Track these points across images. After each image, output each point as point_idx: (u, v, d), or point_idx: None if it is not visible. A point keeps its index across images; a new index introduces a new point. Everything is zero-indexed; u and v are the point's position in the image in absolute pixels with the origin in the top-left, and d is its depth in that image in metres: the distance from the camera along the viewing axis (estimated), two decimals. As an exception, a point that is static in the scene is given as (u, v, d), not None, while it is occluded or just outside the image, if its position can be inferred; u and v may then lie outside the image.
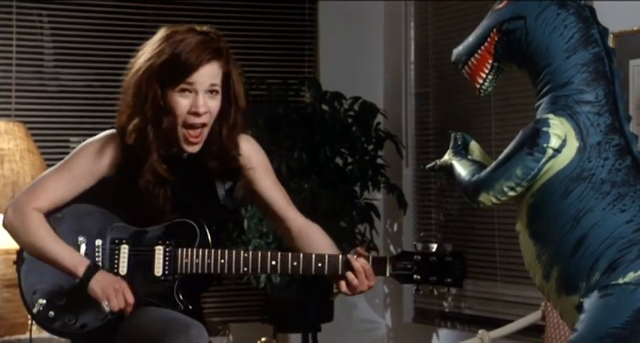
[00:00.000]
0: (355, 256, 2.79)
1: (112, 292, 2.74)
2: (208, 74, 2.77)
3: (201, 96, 2.76)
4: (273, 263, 2.80)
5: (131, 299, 2.75)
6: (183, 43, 2.75)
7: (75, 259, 2.79)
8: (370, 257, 2.80)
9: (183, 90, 2.76)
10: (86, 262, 2.78)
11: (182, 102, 2.77)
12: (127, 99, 2.82)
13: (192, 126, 2.78)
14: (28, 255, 2.85)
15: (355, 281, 2.78)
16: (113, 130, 2.87)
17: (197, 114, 2.77)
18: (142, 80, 2.77)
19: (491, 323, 4.45)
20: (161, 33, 2.82)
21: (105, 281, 2.75)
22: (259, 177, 2.94)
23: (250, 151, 2.93)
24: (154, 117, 2.76)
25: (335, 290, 2.89)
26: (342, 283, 2.80)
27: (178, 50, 2.74)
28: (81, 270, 2.76)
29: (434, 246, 2.80)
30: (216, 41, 2.80)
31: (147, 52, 2.80)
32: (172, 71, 2.74)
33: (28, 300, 2.83)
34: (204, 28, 2.83)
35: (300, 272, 2.81)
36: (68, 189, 2.83)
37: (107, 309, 2.74)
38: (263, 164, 2.97)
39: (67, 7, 4.95)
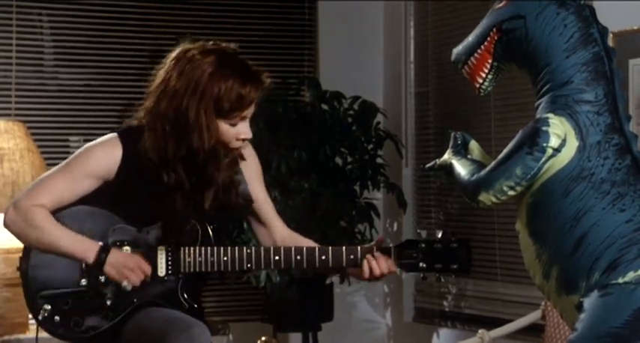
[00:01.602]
0: (377, 253, 2.81)
1: (128, 271, 2.76)
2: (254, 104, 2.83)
3: (247, 123, 2.83)
4: (277, 258, 2.81)
5: (148, 269, 2.77)
6: (240, 75, 2.77)
7: (84, 246, 2.79)
8: (374, 248, 2.82)
9: (235, 123, 2.80)
10: (95, 247, 2.78)
11: (229, 130, 2.80)
12: (169, 126, 2.78)
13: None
14: (31, 260, 2.84)
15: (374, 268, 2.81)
16: (115, 134, 2.88)
17: (245, 140, 2.83)
18: (199, 112, 2.75)
19: (492, 323, 4.45)
20: (201, 58, 2.78)
21: (118, 263, 2.76)
22: (251, 183, 2.95)
23: (247, 157, 2.95)
24: (212, 149, 2.78)
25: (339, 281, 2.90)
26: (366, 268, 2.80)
27: (239, 85, 2.76)
28: (92, 257, 2.77)
29: (439, 233, 2.81)
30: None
31: (194, 77, 2.76)
32: (232, 106, 2.77)
33: (33, 306, 2.83)
34: (232, 46, 2.85)
35: (304, 265, 2.82)
36: (68, 189, 2.83)
37: (129, 287, 2.77)
38: (256, 170, 2.99)
39: (67, 7, 4.95)
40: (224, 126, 2.78)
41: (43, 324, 2.82)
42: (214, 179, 2.80)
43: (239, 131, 2.80)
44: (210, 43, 2.84)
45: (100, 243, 2.79)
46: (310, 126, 4.78)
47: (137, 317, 2.77)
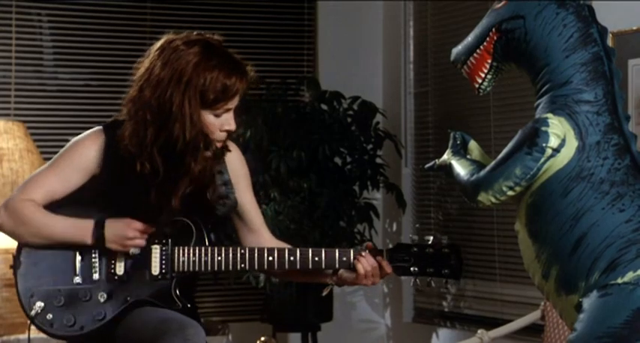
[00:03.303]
0: (365, 251, 2.80)
1: (130, 241, 2.77)
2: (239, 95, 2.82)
3: (232, 114, 2.81)
4: (270, 259, 2.81)
5: (146, 228, 2.78)
6: (225, 66, 2.75)
7: (79, 229, 2.79)
8: (367, 250, 2.81)
9: (219, 114, 2.78)
10: (90, 227, 2.78)
11: (214, 121, 2.79)
12: (153, 116, 2.77)
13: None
14: (24, 258, 2.84)
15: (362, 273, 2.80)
16: (100, 127, 2.88)
17: (229, 131, 2.81)
18: (183, 102, 2.73)
19: (491, 323, 4.46)
20: (189, 47, 2.77)
21: (118, 236, 2.77)
22: (240, 189, 2.94)
23: (235, 161, 2.94)
24: (192, 139, 2.77)
25: (330, 283, 2.90)
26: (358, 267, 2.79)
27: (224, 76, 2.74)
28: (89, 239, 2.78)
29: (430, 238, 2.81)
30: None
31: (178, 67, 2.74)
32: (217, 97, 2.76)
33: (26, 304, 2.83)
34: (217, 37, 2.83)
35: (298, 267, 2.81)
36: (59, 182, 2.83)
37: (137, 252, 2.79)
38: (245, 176, 2.97)
39: (67, 6, 4.95)
40: (208, 117, 2.78)
41: (36, 322, 2.81)
42: (190, 169, 2.77)
43: (223, 122, 2.80)
44: (195, 33, 2.83)
45: (93, 221, 2.79)
46: (309, 126, 4.78)
47: (131, 315, 2.77)
